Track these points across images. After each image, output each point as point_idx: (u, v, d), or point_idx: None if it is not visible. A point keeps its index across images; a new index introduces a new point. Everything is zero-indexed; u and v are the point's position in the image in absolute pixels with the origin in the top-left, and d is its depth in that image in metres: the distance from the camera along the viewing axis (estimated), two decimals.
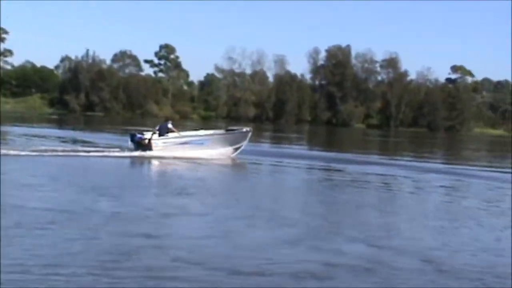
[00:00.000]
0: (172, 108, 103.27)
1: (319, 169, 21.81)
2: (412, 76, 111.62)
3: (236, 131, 23.94)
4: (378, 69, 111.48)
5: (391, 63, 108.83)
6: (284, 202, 12.82)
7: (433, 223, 10.80)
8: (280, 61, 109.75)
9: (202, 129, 25.54)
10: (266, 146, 33.71)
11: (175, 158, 21.04)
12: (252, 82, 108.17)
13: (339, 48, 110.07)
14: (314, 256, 7.75)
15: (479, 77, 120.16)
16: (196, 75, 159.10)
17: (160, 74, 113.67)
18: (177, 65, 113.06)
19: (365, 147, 43.02)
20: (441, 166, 25.83)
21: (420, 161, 26.25)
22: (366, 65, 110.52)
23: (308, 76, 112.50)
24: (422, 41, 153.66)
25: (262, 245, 8.18)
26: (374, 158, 28.19)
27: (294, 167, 21.03)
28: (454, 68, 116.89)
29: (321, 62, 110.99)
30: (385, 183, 17.95)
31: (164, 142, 21.99)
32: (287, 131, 65.65)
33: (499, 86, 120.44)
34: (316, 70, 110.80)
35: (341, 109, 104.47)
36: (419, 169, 22.21)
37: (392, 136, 69.47)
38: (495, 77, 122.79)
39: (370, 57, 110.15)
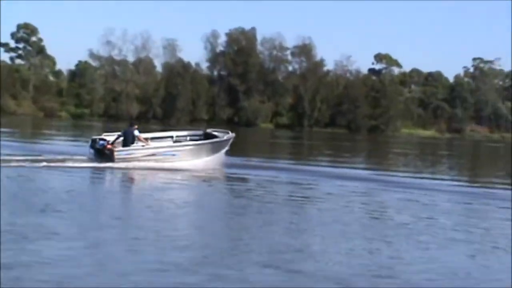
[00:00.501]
0: (34, 104, 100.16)
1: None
2: (329, 66, 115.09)
3: (217, 140, 24.71)
4: (289, 57, 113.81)
5: (304, 50, 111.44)
6: (177, 220, 13.02)
7: (351, 242, 11.32)
8: (171, 47, 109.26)
9: (179, 132, 26.41)
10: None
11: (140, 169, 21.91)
12: (136, 72, 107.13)
13: (242, 31, 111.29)
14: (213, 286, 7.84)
15: (407, 67, 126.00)
16: (65, 63, 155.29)
17: (18, 61, 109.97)
18: (40, 50, 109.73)
19: (273, 150, 43.94)
20: (361, 172, 27.11)
21: (337, 167, 27.22)
22: (274, 52, 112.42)
23: (204, 66, 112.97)
24: (340, 25, 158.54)
25: (146, 272, 8.28)
26: (283, 163, 29.01)
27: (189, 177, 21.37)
28: (378, 57, 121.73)
29: (220, 48, 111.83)
30: (298, 193, 18.78)
31: (129, 154, 22.95)
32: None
33: (430, 78, 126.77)
34: (214, 58, 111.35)
35: (245, 106, 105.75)
36: (334, 176, 23.33)
37: (305, 138, 71.26)
38: (425, 68, 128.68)
39: (280, 43, 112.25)
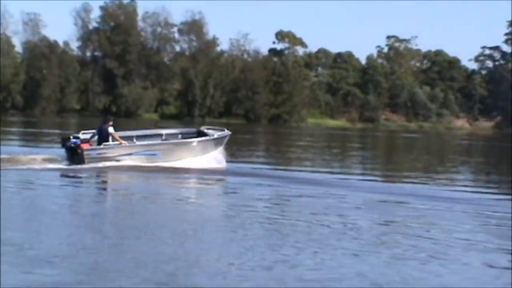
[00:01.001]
0: None
1: (76, 177, 21.85)
2: (223, 46, 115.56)
3: (204, 138, 25.38)
4: (176, 35, 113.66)
5: (194, 27, 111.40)
6: (40, 230, 12.62)
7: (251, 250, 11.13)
8: (32, 23, 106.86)
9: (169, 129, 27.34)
10: (15, 147, 32.79)
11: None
12: None
13: (119, 4, 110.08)
14: None
15: (313, 48, 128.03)
16: None
17: None
18: None
19: None
20: (262, 167, 27.40)
21: (231, 162, 27.12)
22: (158, 29, 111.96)
23: (75, 45, 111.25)
24: None
25: None
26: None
27: (51, 178, 20.96)
28: (280, 35, 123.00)
29: (93, 24, 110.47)
30: (181, 194, 18.69)
31: (100, 153, 23.59)
32: (44, 124, 63.52)
33: (340, 60, 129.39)
34: (86, 36, 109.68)
35: (124, 93, 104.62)
36: (232, 173, 23.31)
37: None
38: (334, 48, 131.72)
39: (165, 19, 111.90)
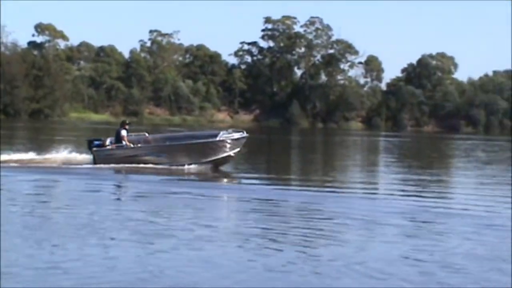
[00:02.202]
0: None
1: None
2: None
3: (211, 140, 26.98)
4: None
5: None
6: None
7: None
8: None
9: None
10: None
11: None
12: None
13: None
14: None
15: (74, 41, 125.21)
16: None
17: None
18: None
19: None
20: None
21: None
22: None
23: None
24: None
25: None
26: None
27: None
28: (40, 28, 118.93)
29: None
30: None
31: (108, 154, 25.94)
32: None
33: (102, 53, 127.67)
34: None
35: None
36: None
37: None
38: (97, 42, 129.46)
39: None
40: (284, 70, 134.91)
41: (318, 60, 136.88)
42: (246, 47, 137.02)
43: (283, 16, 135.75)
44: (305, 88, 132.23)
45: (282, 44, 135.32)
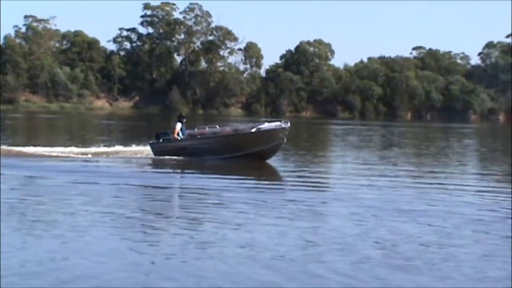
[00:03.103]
0: None
1: None
2: None
3: (242, 132, 27.39)
4: None
5: None
6: None
7: None
8: None
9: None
10: None
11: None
12: None
13: None
14: None
15: None
16: None
17: None
18: None
19: None
20: None
21: None
22: None
23: None
24: None
25: None
26: None
27: None
28: None
29: None
30: None
31: (161, 147, 27.20)
32: None
33: None
34: None
35: None
36: None
37: None
38: None
39: None
40: (163, 56, 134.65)
41: (198, 46, 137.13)
42: (125, 33, 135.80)
43: (162, 3, 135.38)
44: (185, 74, 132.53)
45: (161, 31, 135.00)
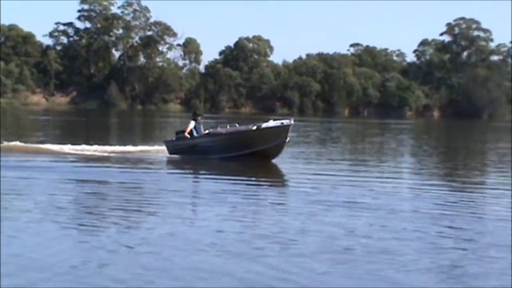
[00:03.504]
0: None
1: None
2: None
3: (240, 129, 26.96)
4: None
5: None
6: None
7: None
8: None
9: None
10: None
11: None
12: None
13: None
14: None
15: None
16: None
17: None
18: None
19: None
20: None
21: None
22: None
23: None
24: None
25: None
26: None
27: None
28: None
29: None
30: None
31: (174, 145, 27.45)
32: None
33: None
34: None
35: None
36: None
37: None
38: None
39: None
40: (101, 51, 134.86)
41: (136, 42, 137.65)
42: (61, 27, 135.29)
43: None
44: (123, 69, 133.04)
45: (99, 25, 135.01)
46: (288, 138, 25.87)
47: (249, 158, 25.74)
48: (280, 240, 11.61)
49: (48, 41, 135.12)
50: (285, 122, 25.96)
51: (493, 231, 13.03)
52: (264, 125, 26.06)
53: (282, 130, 25.61)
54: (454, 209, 15.55)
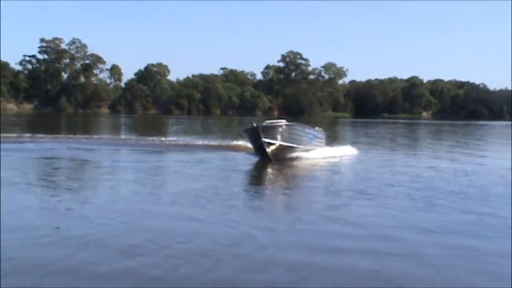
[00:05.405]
0: None
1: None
2: None
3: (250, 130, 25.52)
4: None
5: None
6: None
7: None
8: None
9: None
10: None
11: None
12: None
13: None
14: None
15: None
16: None
17: None
18: None
19: None
20: None
21: None
22: None
23: None
24: None
25: None
26: None
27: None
28: None
29: None
30: None
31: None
32: None
33: None
34: None
35: None
36: None
37: None
38: None
39: None
40: (55, 74, 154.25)
41: (78, 67, 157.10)
42: (27, 58, 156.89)
43: (54, 37, 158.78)
44: (70, 86, 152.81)
45: (53, 57, 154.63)
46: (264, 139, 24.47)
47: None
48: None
49: (18, 67, 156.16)
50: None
51: None
52: (264, 123, 24.94)
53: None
54: None
